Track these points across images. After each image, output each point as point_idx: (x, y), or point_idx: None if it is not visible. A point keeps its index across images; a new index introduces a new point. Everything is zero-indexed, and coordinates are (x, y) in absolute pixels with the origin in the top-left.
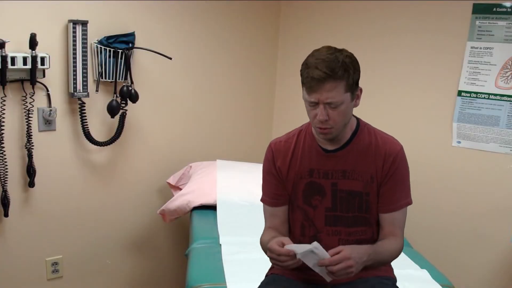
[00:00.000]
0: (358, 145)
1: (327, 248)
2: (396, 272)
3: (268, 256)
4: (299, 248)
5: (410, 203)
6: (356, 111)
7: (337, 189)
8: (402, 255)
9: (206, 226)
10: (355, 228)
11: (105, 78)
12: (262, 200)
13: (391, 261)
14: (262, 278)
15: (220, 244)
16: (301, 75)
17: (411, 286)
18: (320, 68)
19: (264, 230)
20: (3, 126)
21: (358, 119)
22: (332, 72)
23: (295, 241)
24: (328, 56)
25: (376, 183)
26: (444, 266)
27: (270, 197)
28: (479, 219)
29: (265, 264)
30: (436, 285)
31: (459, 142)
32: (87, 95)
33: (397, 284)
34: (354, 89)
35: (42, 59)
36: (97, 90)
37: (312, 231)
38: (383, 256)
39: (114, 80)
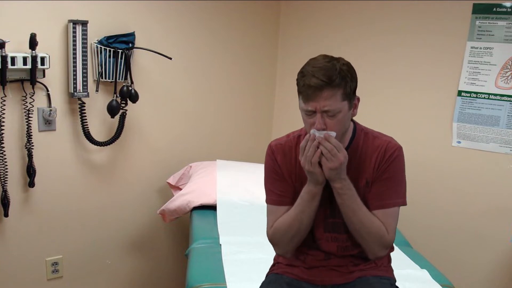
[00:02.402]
0: (355, 151)
1: (326, 253)
2: (396, 272)
3: (302, 164)
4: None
5: (403, 203)
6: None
7: (334, 195)
8: (402, 255)
9: (206, 226)
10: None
11: (105, 78)
12: (267, 200)
13: (364, 232)
14: (262, 278)
15: (220, 244)
16: (298, 84)
17: (411, 286)
18: (317, 76)
19: (268, 227)
20: (3, 126)
21: (355, 124)
22: (330, 80)
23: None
24: (325, 64)
25: (371, 183)
26: (444, 266)
27: (275, 195)
28: (479, 219)
29: (265, 264)
30: (436, 285)
31: (459, 142)
32: (87, 95)
33: (397, 284)
34: (351, 98)
35: (42, 59)
36: (97, 90)
37: (310, 238)
38: (359, 212)
39: (114, 80)
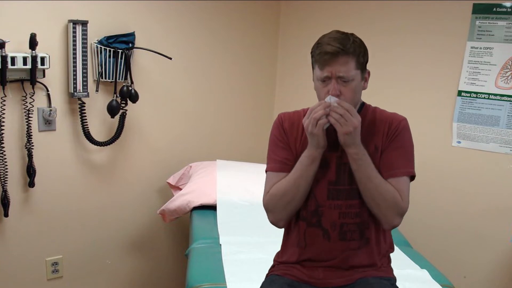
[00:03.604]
0: (363, 120)
1: (327, 220)
2: (396, 272)
3: (305, 125)
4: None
5: (412, 173)
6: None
7: (342, 162)
8: (402, 255)
9: (206, 226)
10: (355, 201)
11: (105, 78)
12: (267, 168)
13: (380, 199)
14: (262, 278)
15: (220, 244)
16: (313, 53)
17: (411, 286)
18: (333, 44)
19: (264, 193)
20: (3, 126)
21: (362, 101)
22: (345, 47)
23: (297, 214)
24: (339, 35)
25: (380, 151)
26: (444, 266)
27: (277, 162)
28: (479, 219)
29: (265, 264)
30: (436, 285)
31: (459, 142)
32: (87, 95)
33: (397, 284)
34: (363, 69)
35: (42, 59)
36: (97, 90)
37: (314, 205)
38: (374, 178)
39: (114, 80)
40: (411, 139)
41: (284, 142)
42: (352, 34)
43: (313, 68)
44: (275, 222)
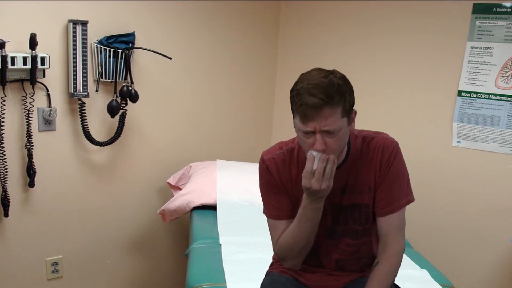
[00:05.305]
0: (353, 159)
1: (324, 255)
2: None
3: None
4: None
5: (411, 200)
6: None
7: (336, 205)
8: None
9: (206, 226)
10: (353, 240)
11: (105, 78)
12: (267, 215)
13: (397, 271)
14: (262, 278)
15: (220, 244)
16: (293, 102)
17: (411, 286)
18: (316, 95)
19: (274, 244)
20: (3, 126)
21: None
22: (329, 98)
23: None
24: (321, 80)
25: (374, 189)
26: (444, 266)
27: (277, 209)
28: (479, 219)
29: (265, 264)
30: (436, 285)
31: (459, 142)
32: (87, 95)
33: (398, 284)
34: (350, 113)
35: (42, 59)
36: (97, 90)
37: (313, 245)
38: (385, 283)
39: (114, 80)
40: (403, 164)
41: (276, 187)
42: (333, 74)
43: (293, 114)
44: (291, 267)
